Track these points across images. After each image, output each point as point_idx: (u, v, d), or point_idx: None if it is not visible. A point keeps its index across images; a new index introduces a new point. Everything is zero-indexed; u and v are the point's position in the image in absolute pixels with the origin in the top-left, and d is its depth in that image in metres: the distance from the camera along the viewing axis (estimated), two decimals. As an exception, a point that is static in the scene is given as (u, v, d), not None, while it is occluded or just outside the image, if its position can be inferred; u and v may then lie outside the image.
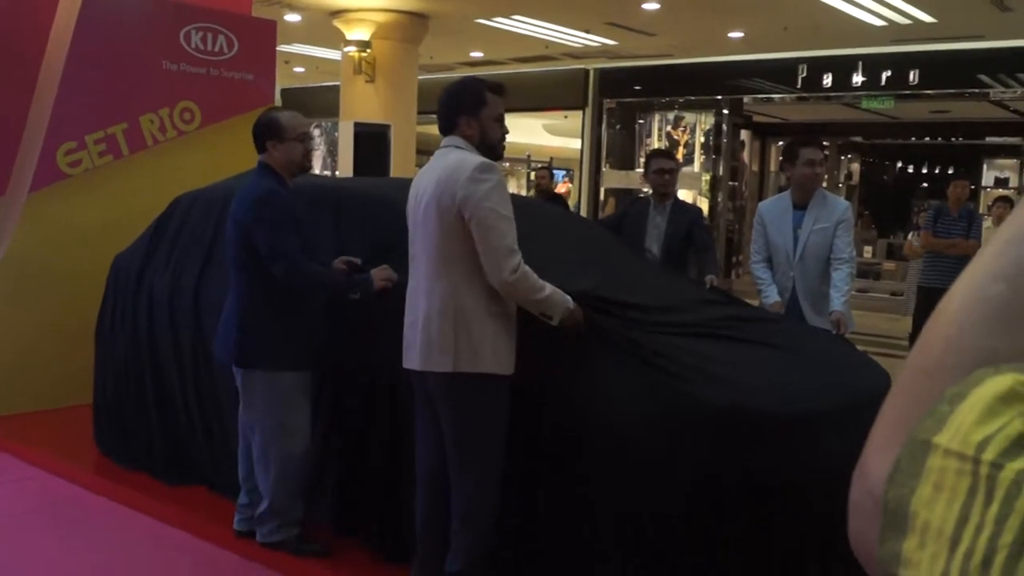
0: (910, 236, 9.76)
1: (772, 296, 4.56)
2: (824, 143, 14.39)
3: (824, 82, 12.84)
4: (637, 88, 14.88)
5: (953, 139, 16.35)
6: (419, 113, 12.20)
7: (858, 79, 12.59)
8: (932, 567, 0.44)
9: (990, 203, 10.20)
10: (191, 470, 4.50)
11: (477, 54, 14.41)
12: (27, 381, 5.66)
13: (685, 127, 14.83)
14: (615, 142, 15.36)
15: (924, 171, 19.44)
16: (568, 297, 3.09)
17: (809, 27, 11.16)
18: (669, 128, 14.97)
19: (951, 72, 11.98)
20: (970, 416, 0.46)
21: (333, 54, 13.59)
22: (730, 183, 14.93)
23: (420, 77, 12.44)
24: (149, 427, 4.67)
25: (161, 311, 4.60)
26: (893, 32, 11.16)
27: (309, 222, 3.77)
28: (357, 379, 3.76)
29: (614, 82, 15.02)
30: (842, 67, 12.65)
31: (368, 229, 3.97)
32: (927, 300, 7.15)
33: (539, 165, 13.95)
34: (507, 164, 17.77)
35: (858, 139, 17.45)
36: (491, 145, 3.17)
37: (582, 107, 15.38)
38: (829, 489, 2.90)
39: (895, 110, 13.38)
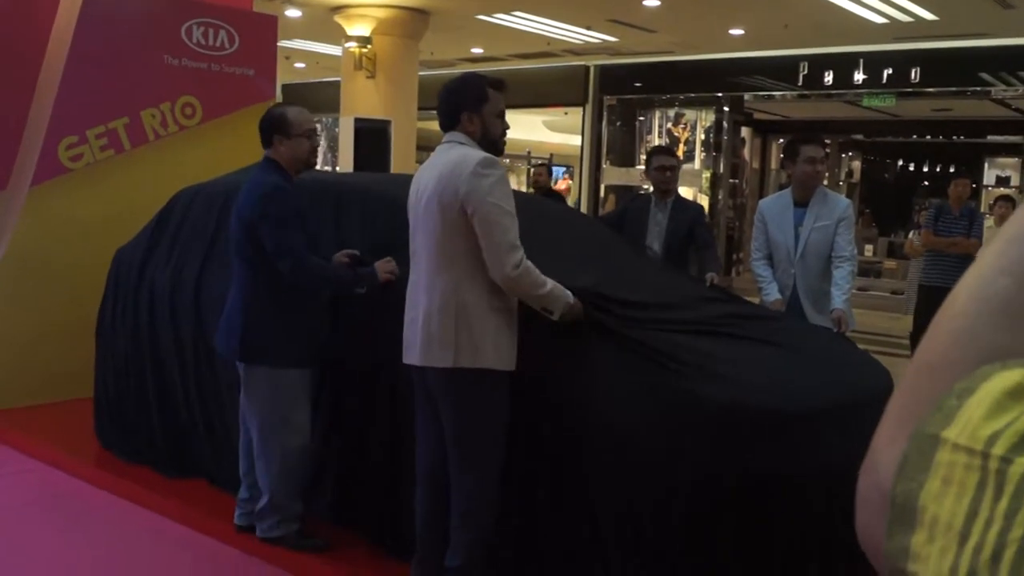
0: (911, 234, 9.75)
1: (773, 294, 4.56)
2: (825, 141, 14.39)
3: (825, 79, 12.85)
4: (638, 85, 14.88)
5: (954, 137, 16.35)
6: (419, 109, 12.20)
7: (859, 77, 12.59)
8: (941, 562, 0.44)
9: (991, 202, 10.19)
10: (192, 464, 4.50)
11: (478, 50, 14.40)
12: (28, 374, 5.66)
13: (686, 124, 14.83)
14: (615, 139, 15.37)
15: (925, 169, 19.45)
16: (568, 291, 3.09)
17: (810, 24, 11.16)
18: (670, 125, 14.97)
19: (953, 70, 11.98)
20: (979, 411, 0.46)
21: (334, 50, 13.59)
22: (730, 180, 14.93)
23: (421, 73, 12.44)
24: (150, 421, 4.67)
25: (162, 305, 4.60)
26: (895, 30, 11.15)
27: (310, 218, 3.77)
28: (357, 377, 3.76)
29: (615, 79, 15.02)
30: (843, 65, 12.65)
31: (368, 225, 3.97)
32: (928, 298, 7.15)
33: (539, 162, 13.93)
34: (507, 160, 17.76)
35: (859, 137, 17.45)
36: (493, 141, 3.17)
37: (583, 104, 15.38)
38: (829, 487, 2.92)
39: (896, 108, 13.39)
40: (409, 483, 3.39)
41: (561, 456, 3.13)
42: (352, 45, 11.73)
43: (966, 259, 7.03)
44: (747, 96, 14.12)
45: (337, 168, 11.52)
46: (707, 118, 14.63)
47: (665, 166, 5.32)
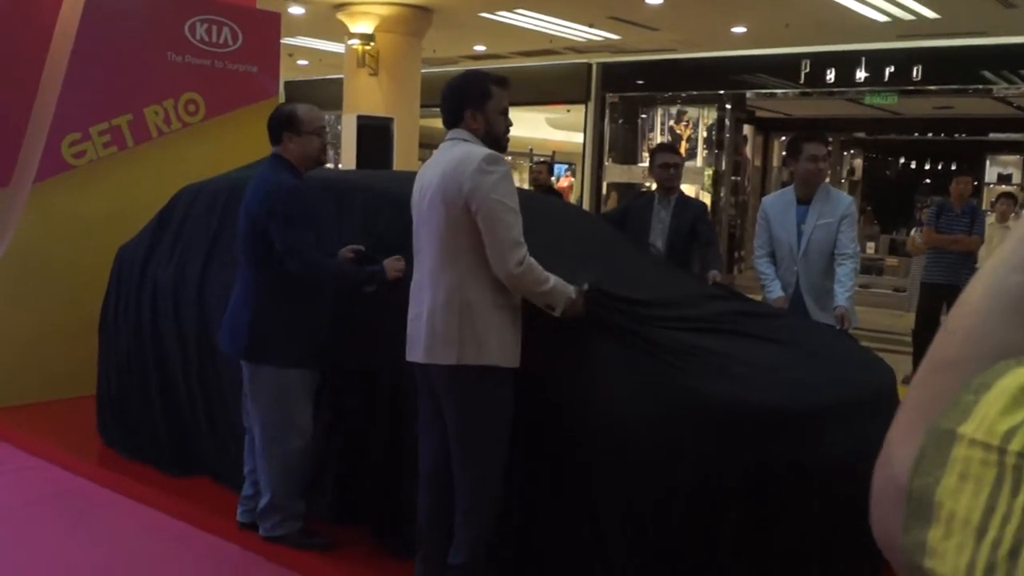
0: (913, 232, 9.74)
1: (775, 291, 4.56)
2: (828, 138, 14.39)
3: (827, 78, 12.84)
4: (640, 82, 14.88)
5: (956, 135, 16.34)
6: (422, 106, 12.20)
7: (861, 75, 12.59)
8: (958, 557, 0.44)
9: (993, 199, 10.18)
10: (195, 461, 4.50)
11: (480, 48, 14.39)
12: (30, 372, 5.67)
13: (688, 122, 14.83)
14: (618, 136, 15.36)
15: (927, 167, 19.43)
16: (570, 287, 3.09)
17: (812, 22, 11.15)
18: (672, 123, 14.97)
19: (954, 68, 11.98)
20: (995, 407, 0.46)
21: (337, 47, 13.58)
22: (733, 178, 14.93)
23: (423, 70, 12.43)
24: (153, 418, 4.67)
25: (165, 302, 4.60)
26: (897, 28, 11.14)
27: (318, 217, 3.75)
28: (357, 377, 3.75)
29: (617, 76, 15.02)
30: (845, 63, 12.65)
31: (371, 222, 3.96)
32: (930, 296, 7.13)
33: (541, 159, 13.92)
34: (509, 158, 17.75)
35: (861, 135, 17.46)
36: (496, 138, 3.17)
37: (585, 101, 15.38)
38: (832, 484, 2.92)
39: (898, 106, 13.39)
40: (409, 482, 3.39)
41: (562, 455, 3.13)
42: (355, 42, 11.72)
43: (968, 256, 7.03)
44: (749, 94, 14.13)
45: (339, 165, 11.50)
46: (709, 116, 14.63)
47: (669, 163, 5.31)
